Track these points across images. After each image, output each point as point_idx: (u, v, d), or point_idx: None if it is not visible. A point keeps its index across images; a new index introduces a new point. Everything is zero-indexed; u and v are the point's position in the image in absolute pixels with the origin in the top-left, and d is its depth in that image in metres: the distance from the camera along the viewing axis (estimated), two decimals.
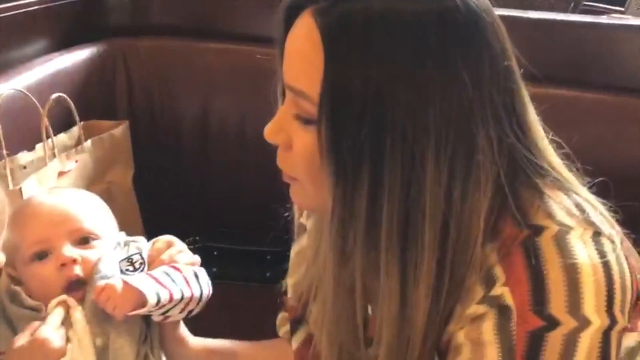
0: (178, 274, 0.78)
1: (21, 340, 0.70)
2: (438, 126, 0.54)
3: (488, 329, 0.55)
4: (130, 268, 0.79)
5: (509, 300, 0.55)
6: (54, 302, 0.73)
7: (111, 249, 0.80)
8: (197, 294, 0.79)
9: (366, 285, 0.62)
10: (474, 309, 0.56)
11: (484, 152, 0.55)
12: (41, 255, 0.76)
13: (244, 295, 1.24)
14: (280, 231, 1.34)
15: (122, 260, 0.80)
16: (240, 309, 1.25)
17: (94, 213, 0.82)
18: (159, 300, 0.73)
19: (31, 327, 0.71)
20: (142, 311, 0.74)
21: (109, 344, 0.74)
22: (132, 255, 0.81)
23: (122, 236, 0.85)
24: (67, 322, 0.72)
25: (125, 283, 0.73)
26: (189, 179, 1.42)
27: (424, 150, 0.54)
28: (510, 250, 0.56)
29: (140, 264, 0.80)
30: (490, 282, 0.56)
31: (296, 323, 0.82)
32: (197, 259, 0.83)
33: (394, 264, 0.57)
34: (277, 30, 0.63)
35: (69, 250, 0.76)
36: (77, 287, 0.76)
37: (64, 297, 0.73)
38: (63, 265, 0.75)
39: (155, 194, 1.37)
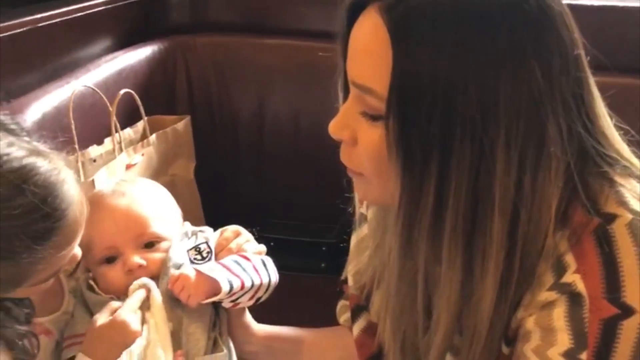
0: (248, 262, 0.80)
1: (101, 319, 0.73)
2: (508, 117, 0.54)
3: (559, 315, 0.55)
4: (198, 257, 0.81)
5: (581, 287, 0.55)
6: (135, 284, 0.76)
7: (179, 238, 0.83)
8: (265, 281, 0.80)
9: (429, 274, 0.63)
10: (545, 295, 0.57)
11: (554, 142, 0.55)
12: (110, 260, 0.78)
13: (299, 286, 1.26)
14: (335, 223, 1.37)
15: (190, 249, 0.82)
16: (296, 299, 1.27)
17: (160, 214, 0.83)
18: (231, 288, 0.75)
19: (110, 308, 0.74)
20: (215, 299, 0.76)
21: (182, 328, 0.76)
22: (199, 244, 0.83)
23: (189, 226, 0.87)
24: (144, 305, 0.75)
25: (198, 272, 0.75)
26: (246, 172, 1.45)
27: (494, 141, 0.54)
28: (582, 238, 0.56)
29: (208, 252, 0.82)
30: (560, 269, 0.56)
31: (357, 311, 0.84)
32: (262, 248, 0.85)
33: (457, 255, 0.58)
34: (339, 27, 0.63)
35: (135, 257, 0.77)
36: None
37: (145, 280, 0.76)
38: (130, 270, 0.78)
39: (214, 187, 1.41)
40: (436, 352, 0.63)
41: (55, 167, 0.64)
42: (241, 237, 0.85)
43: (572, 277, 0.56)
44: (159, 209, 0.83)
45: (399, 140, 0.57)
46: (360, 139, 0.61)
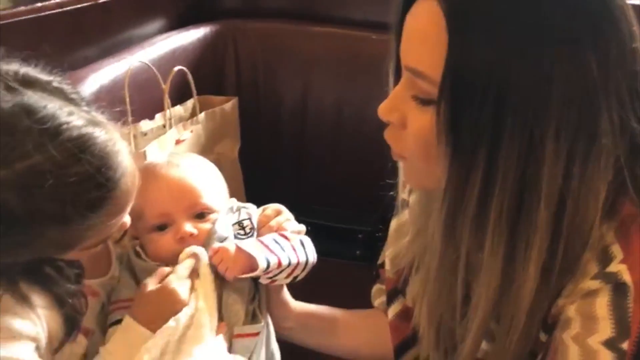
0: (286, 242, 0.82)
1: (150, 285, 0.75)
2: (560, 108, 0.54)
3: (602, 304, 0.56)
4: (241, 232, 0.84)
5: (627, 277, 0.55)
6: (186, 252, 0.78)
7: (225, 213, 0.85)
8: (302, 261, 0.83)
9: (470, 261, 0.63)
10: (588, 284, 0.57)
11: (605, 135, 0.55)
12: (161, 227, 0.81)
13: (334, 271, 1.27)
14: (372, 211, 1.38)
15: (234, 224, 0.85)
16: (328, 284, 1.29)
17: (211, 186, 0.85)
18: (268, 266, 0.78)
19: (160, 274, 0.77)
20: (252, 275, 0.78)
21: (222, 299, 0.79)
22: (243, 220, 0.85)
23: (234, 202, 0.89)
24: (193, 273, 0.78)
25: (237, 247, 0.78)
26: (287, 156, 1.47)
27: (545, 131, 0.54)
28: (630, 230, 0.56)
29: (250, 229, 0.85)
30: (606, 259, 0.57)
31: (392, 295, 0.86)
32: (302, 227, 0.87)
33: (501, 243, 0.58)
34: (395, 10, 0.64)
35: (188, 226, 0.80)
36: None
37: (195, 248, 0.79)
38: (181, 239, 0.80)
39: (255, 168, 1.44)
40: (472, 338, 0.64)
41: (112, 138, 0.66)
42: (282, 216, 0.87)
43: (617, 267, 0.56)
44: (210, 182, 0.85)
45: (449, 127, 0.57)
46: (409, 123, 0.62)
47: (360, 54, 1.41)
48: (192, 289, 0.76)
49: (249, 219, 0.86)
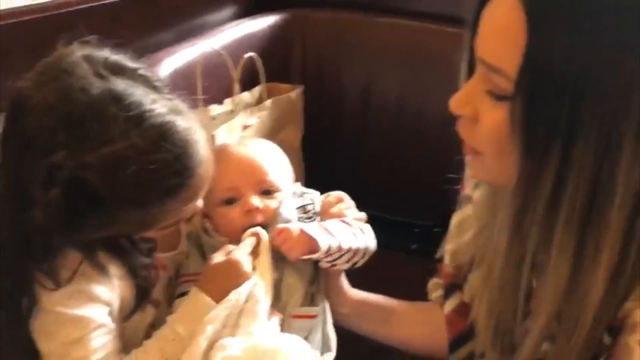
0: (347, 227, 0.84)
1: (217, 258, 0.79)
2: None
3: None
4: (304, 216, 0.87)
5: None
6: (248, 232, 0.81)
7: (290, 196, 0.88)
8: (362, 247, 0.84)
9: (536, 260, 0.63)
10: None
11: None
12: (230, 201, 0.84)
13: (388, 264, 1.28)
14: (431, 206, 1.38)
15: (298, 207, 0.87)
16: (383, 277, 1.30)
17: (278, 167, 0.88)
18: (329, 249, 0.80)
19: (225, 249, 0.80)
20: (313, 257, 0.80)
21: (283, 279, 0.82)
22: (306, 204, 0.88)
23: (299, 187, 0.92)
24: (254, 252, 0.80)
25: (301, 230, 0.80)
26: (348, 147, 1.49)
27: (623, 133, 0.53)
28: None
29: (313, 213, 0.87)
30: None
31: (450, 290, 0.86)
32: (363, 215, 0.89)
33: (570, 244, 0.57)
34: (471, 3, 0.63)
35: (255, 200, 0.83)
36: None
37: (258, 229, 0.82)
38: (248, 211, 0.83)
39: (316, 158, 1.45)
40: (533, 339, 0.64)
41: (191, 127, 0.69)
42: (344, 203, 0.89)
43: None
44: (277, 163, 0.89)
45: (524, 124, 0.56)
46: (481, 117, 0.62)
47: (426, 47, 1.40)
48: (253, 266, 0.79)
49: (312, 204, 0.89)
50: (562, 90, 0.54)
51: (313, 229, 0.81)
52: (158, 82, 0.70)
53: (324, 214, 0.87)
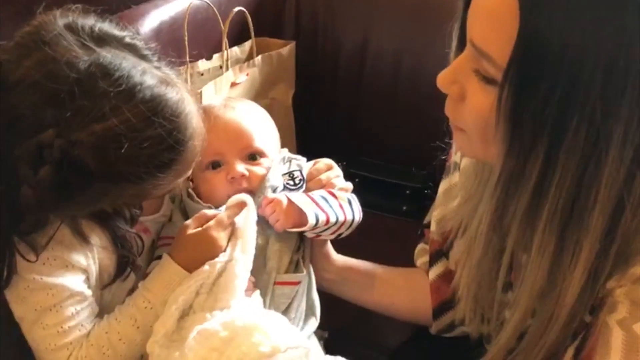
0: (334, 200, 0.84)
1: (191, 229, 0.77)
2: (631, 110, 0.51)
3: None
4: (291, 182, 0.87)
5: None
6: (233, 199, 0.80)
7: (277, 162, 0.87)
8: (349, 219, 0.85)
9: (515, 255, 0.63)
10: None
11: None
12: (215, 165, 0.84)
13: (378, 225, 1.29)
14: (423, 168, 1.38)
15: (285, 174, 0.87)
16: (373, 238, 1.31)
17: (264, 132, 0.87)
18: (317, 222, 0.80)
19: (202, 217, 0.78)
20: (300, 230, 0.81)
21: (268, 246, 0.82)
22: (293, 171, 0.88)
23: (286, 152, 0.92)
24: (235, 222, 0.79)
25: (289, 201, 0.80)
26: (341, 105, 1.47)
27: (611, 132, 0.52)
28: None
29: (300, 180, 0.87)
30: None
31: (436, 256, 0.86)
32: (349, 185, 0.89)
33: (550, 242, 0.57)
34: None
35: (240, 166, 0.83)
36: None
37: (244, 196, 0.80)
38: (233, 178, 0.82)
39: (308, 116, 1.44)
40: (509, 332, 0.64)
41: (183, 98, 0.68)
42: (332, 171, 0.88)
43: None
44: (264, 128, 0.88)
45: (510, 115, 0.55)
46: (468, 98, 0.60)
47: (424, 2, 1.37)
48: (233, 236, 0.78)
49: (300, 170, 0.88)
50: (552, 86, 0.53)
51: (301, 200, 0.81)
52: (146, 50, 0.69)
53: (311, 181, 0.88)
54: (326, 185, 0.86)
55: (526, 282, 0.61)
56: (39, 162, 0.62)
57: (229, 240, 0.77)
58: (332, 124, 1.49)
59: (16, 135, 0.62)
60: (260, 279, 0.81)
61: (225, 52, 1.14)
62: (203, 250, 0.75)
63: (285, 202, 0.80)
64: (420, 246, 0.93)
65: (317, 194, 0.84)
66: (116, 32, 0.67)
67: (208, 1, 1.15)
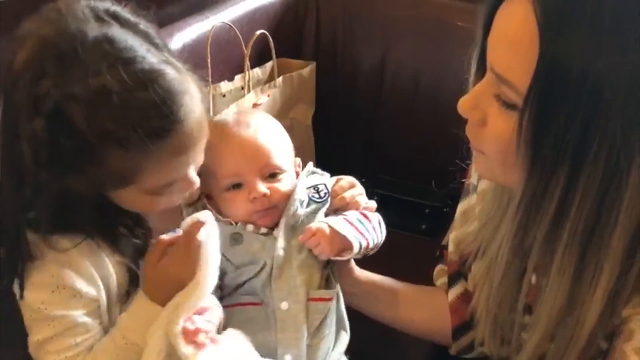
0: (368, 223, 0.86)
1: (154, 260, 0.75)
2: None
3: None
4: (316, 196, 0.88)
5: None
6: (190, 219, 0.77)
7: (304, 175, 0.89)
8: (379, 242, 0.88)
9: (536, 272, 0.64)
10: None
11: None
12: (235, 186, 0.84)
13: (397, 243, 1.30)
14: (442, 187, 1.39)
15: (310, 187, 0.89)
16: (392, 256, 1.33)
17: (280, 147, 0.87)
18: (360, 248, 0.82)
19: (161, 244, 0.76)
20: (343, 258, 0.82)
21: (300, 263, 0.83)
22: (318, 184, 0.89)
23: (310, 167, 0.93)
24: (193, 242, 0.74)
25: (332, 230, 0.81)
26: (360, 124, 1.50)
27: (632, 159, 0.53)
28: None
29: (325, 193, 0.88)
30: None
31: (454, 277, 0.89)
32: (373, 204, 0.91)
33: (570, 265, 0.58)
34: (484, 5, 0.62)
35: (260, 186, 0.83)
36: (267, 213, 0.85)
37: (201, 216, 0.77)
38: (255, 198, 0.83)
39: (327, 134, 1.47)
40: (527, 354, 0.66)
41: (183, 80, 0.69)
42: (355, 189, 0.90)
43: None
44: (280, 142, 0.89)
45: (531, 140, 0.56)
46: (489, 123, 0.62)
47: (442, 22, 1.40)
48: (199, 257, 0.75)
49: (325, 184, 0.90)
50: (573, 113, 0.54)
51: (342, 226, 0.82)
52: (158, 39, 0.71)
53: (336, 197, 0.89)
54: (350, 204, 0.88)
55: (546, 304, 0.62)
56: (34, 112, 0.64)
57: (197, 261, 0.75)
58: (351, 142, 1.52)
59: (20, 89, 0.65)
60: (291, 294, 0.82)
61: (247, 73, 1.18)
62: (172, 281, 0.75)
63: (327, 231, 0.81)
64: (439, 267, 0.95)
65: (353, 216, 0.85)
66: (132, 17, 0.70)
67: (230, 23, 1.19)
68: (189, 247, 0.75)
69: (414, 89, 1.44)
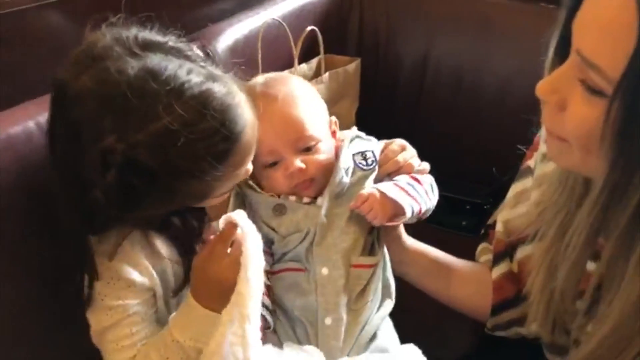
0: (420, 186, 0.87)
1: (199, 267, 0.77)
2: None
3: None
4: (363, 162, 0.88)
5: None
6: (222, 219, 0.77)
7: (347, 143, 0.89)
8: (432, 206, 0.88)
9: (610, 263, 0.63)
10: None
11: None
12: (272, 164, 0.86)
13: (437, 239, 1.33)
14: (482, 184, 1.41)
15: (356, 153, 0.89)
16: None
17: (313, 115, 0.86)
18: (412, 213, 0.83)
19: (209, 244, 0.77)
20: (396, 223, 0.83)
21: (341, 227, 0.84)
22: (366, 151, 0.89)
23: (355, 131, 0.93)
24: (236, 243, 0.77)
25: (383, 195, 0.81)
26: (401, 120, 1.53)
27: None
28: None
29: (372, 160, 0.88)
30: None
31: (500, 256, 0.90)
32: (427, 165, 0.91)
33: None
34: None
35: (297, 161, 0.84)
36: (306, 184, 0.86)
37: (234, 217, 0.77)
38: (291, 174, 0.84)
39: (368, 130, 1.48)
40: (593, 345, 0.65)
41: (230, 92, 0.71)
42: (407, 152, 0.90)
43: None
44: (310, 109, 0.88)
45: (619, 129, 0.55)
46: (571, 109, 0.60)
47: (485, 19, 1.42)
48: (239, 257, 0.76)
49: (372, 151, 0.90)
50: None
51: (393, 191, 0.83)
52: (189, 51, 0.73)
53: (386, 162, 0.89)
54: (404, 167, 0.88)
55: (620, 296, 0.61)
56: (105, 167, 0.66)
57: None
58: (391, 138, 1.53)
59: (80, 144, 0.67)
60: (331, 260, 0.84)
61: (295, 69, 1.21)
62: (213, 281, 0.76)
63: (378, 196, 0.81)
64: (483, 245, 0.97)
65: (403, 181, 0.86)
66: (159, 38, 0.72)
67: (280, 19, 1.22)
68: (225, 248, 0.76)
69: (455, 86, 1.46)
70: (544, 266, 0.74)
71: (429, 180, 0.90)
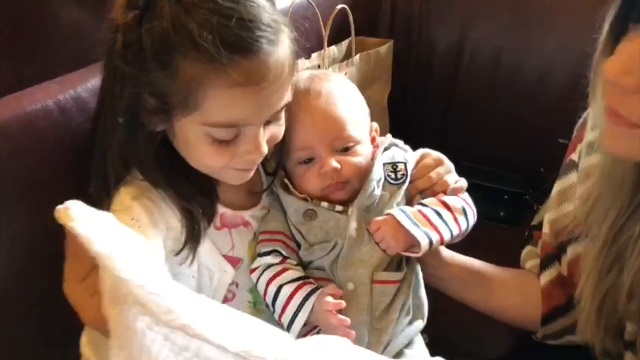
0: (448, 213, 0.82)
1: None
2: None
3: None
4: (392, 175, 0.85)
5: None
6: None
7: (381, 150, 0.86)
8: (463, 230, 0.84)
9: None
10: None
11: None
12: (307, 160, 0.84)
13: (474, 231, 1.29)
14: (521, 173, 1.36)
15: (387, 163, 0.86)
16: (468, 243, 1.31)
17: (354, 115, 0.85)
18: (430, 243, 0.79)
19: None
20: (415, 255, 0.79)
21: (365, 240, 0.81)
22: (397, 162, 0.86)
23: (389, 139, 0.90)
24: None
25: (400, 226, 0.78)
26: (435, 106, 1.49)
27: None
28: None
29: (403, 175, 0.85)
30: None
31: (548, 260, 0.87)
32: (464, 183, 0.86)
33: None
34: None
35: (331, 160, 0.82)
36: (339, 187, 0.84)
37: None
38: (325, 173, 0.82)
39: (401, 116, 1.46)
40: None
41: (278, 22, 0.72)
42: (442, 167, 0.86)
43: None
44: (353, 110, 0.86)
45: None
46: None
47: (523, 0, 1.37)
48: None
49: (405, 163, 0.86)
50: None
51: (409, 220, 0.79)
52: None
53: (419, 177, 0.86)
54: (438, 184, 0.85)
55: None
56: (131, 5, 0.69)
57: None
58: (425, 124, 1.51)
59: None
60: (356, 274, 0.81)
61: (325, 51, 1.18)
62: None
63: (393, 226, 0.79)
64: (528, 249, 0.93)
65: (429, 208, 0.82)
66: None
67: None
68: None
69: (493, 70, 1.42)
70: (594, 270, 0.70)
71: (461, 204, 0.85)
